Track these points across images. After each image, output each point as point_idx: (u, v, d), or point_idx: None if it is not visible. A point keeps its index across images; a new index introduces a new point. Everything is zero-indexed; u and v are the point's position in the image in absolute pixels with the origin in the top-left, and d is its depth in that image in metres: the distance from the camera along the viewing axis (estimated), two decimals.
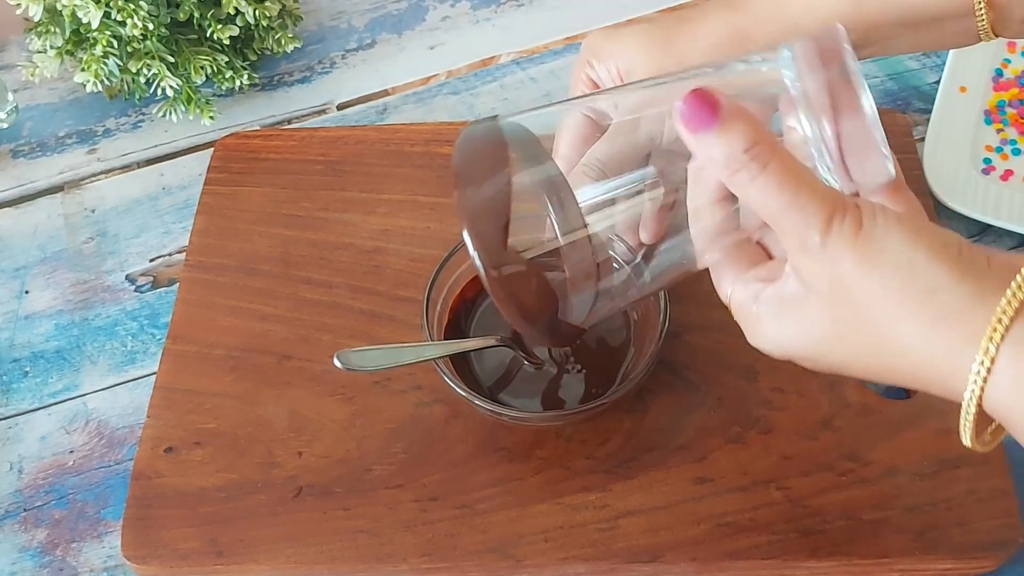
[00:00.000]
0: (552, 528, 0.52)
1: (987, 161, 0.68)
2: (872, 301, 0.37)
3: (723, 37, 0.52)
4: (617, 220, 0.45)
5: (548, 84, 0.75)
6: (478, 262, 0.41)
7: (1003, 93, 0.71)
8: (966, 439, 0.38)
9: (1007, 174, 0.67)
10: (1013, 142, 0.68)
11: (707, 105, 0.37)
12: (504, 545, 0.52)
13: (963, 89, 0.71)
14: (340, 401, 0.57)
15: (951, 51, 0.71)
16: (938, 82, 0.71)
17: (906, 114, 0.70)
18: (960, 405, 0.37)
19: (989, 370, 0.35)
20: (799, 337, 0.40)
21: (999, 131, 0.69)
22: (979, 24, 0.50)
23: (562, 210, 0.43)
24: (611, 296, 0.46)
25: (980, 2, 0.49)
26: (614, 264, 0.51)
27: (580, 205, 0.43)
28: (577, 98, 0.53)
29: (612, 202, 0.44)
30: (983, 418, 0.38)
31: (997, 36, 0.51)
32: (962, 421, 0.37)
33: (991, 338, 0.35)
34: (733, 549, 0.51)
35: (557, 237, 0.43)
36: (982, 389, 0.36)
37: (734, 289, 0.43)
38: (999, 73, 0.72)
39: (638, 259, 0.49)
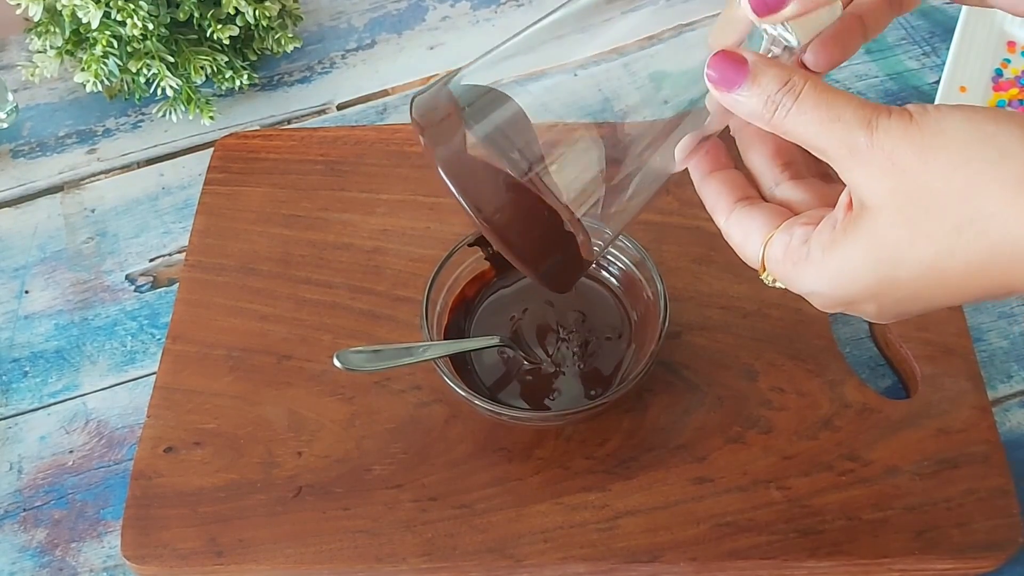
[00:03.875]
0: (552, 528, 0.52)
1: None
2: (941, 182, 0.34)
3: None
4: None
5: None
6: (466, 207, 0.40)
7: (1003, 93, 0.70)
8: None
9: None
10: None
11: (733, 63, 0.37)
12: (504, 545, 0.52)
13: (963, 89, 0.70)
14: (340, 401, 0.57)
15: (951, 51, 0.71)
16: (938, 82, 0.71)
17: None
18: None
19: None
20: (866, 264, 0.37)
21: None
22: None
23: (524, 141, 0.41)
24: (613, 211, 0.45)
25: None
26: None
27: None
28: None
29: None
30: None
31: None
32: None
33: None
34: (733, 549, 0.51)
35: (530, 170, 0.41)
36: None
37: (771, 240, 0.40)
38: (999, 73, 0.72)
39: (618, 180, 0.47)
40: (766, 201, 0.43)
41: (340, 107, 0.75)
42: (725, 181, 0.43)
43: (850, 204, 0.38)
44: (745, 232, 0.42)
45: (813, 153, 0.37)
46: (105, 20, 0.68)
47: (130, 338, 0.63)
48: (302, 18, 0.78)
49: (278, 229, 0.64)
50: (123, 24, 0.68)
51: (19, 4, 0.69)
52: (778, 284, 0.41)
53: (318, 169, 0.67)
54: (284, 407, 0.57)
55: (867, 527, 0.51)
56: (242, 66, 0.74)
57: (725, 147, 0.44)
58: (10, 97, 0.75)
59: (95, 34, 0.69)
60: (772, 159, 0.44)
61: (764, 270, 0.41)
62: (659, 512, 0.52)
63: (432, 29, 0.80)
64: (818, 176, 0.43)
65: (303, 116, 0.75)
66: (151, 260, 0.67)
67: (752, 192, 0.43)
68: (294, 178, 0.67)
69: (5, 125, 0.75)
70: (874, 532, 0.51)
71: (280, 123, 0.74)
